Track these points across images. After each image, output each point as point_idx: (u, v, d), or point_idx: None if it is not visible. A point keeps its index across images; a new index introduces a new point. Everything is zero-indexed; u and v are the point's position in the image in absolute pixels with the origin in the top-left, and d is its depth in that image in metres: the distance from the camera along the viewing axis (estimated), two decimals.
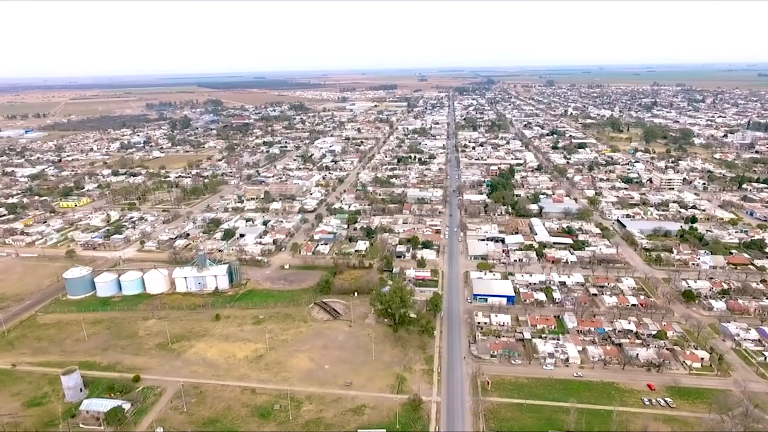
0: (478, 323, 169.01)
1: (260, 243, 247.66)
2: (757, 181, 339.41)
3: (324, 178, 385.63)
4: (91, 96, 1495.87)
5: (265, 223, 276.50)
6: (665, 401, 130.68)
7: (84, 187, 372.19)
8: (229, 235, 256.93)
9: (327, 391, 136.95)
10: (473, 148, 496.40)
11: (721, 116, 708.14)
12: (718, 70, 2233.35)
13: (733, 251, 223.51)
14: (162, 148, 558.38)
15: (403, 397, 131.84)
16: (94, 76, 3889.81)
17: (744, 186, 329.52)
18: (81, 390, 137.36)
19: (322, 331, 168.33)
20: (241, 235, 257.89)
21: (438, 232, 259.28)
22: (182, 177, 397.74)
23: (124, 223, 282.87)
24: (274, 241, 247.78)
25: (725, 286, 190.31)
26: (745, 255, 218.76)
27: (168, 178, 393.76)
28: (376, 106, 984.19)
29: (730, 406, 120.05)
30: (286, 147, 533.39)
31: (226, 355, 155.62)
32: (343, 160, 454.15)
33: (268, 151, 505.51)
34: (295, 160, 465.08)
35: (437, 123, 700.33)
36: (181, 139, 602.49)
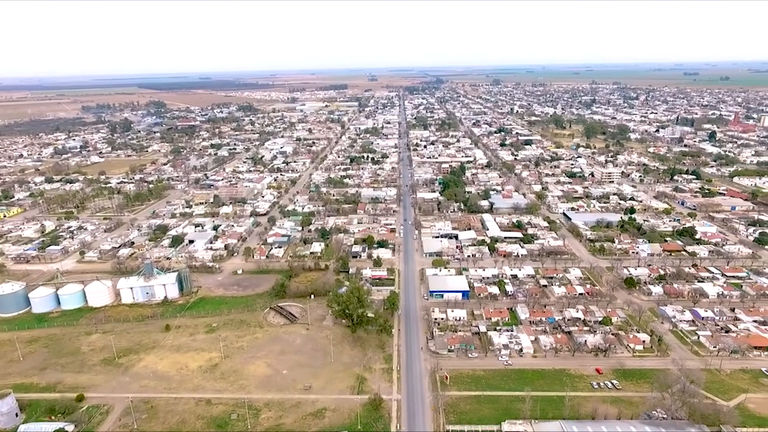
0: (435, 319, 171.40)
1: (211, 248, 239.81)
2: (686, 172, 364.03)
3: (276, 180, 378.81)
4: (18, 98, 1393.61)
5: (215, 228, 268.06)
6: (612, 384, 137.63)
7: (14, 196, 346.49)
8: (177, 241, 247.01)
9: (286, 397, 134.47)
10: (425, 146, 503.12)
11: (653, 112, 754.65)
12: (649, 69, 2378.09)
13: (667, 239, 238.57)
14: (101, 152, 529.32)
15: (364, 398, 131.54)
16: (22, 76, 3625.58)
17: (675, 177, 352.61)
18: (17, 415, 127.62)
19: (279, 336, 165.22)
20: (191, 241, 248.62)
21: (393, 230, 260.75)
22: (124, 183, 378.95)
23: (61, 234, 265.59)
24: (226, 246, 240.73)
25: (662, 272, 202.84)
26: (678, 242, 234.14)
27: (109, 185, 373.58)
28: (326, 106, 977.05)
29: (670, 383, 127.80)
30: (235, 149, 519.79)
31: (178, 366, 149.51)
32: (294, 162, 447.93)
33: (216, 154, 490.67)
34: (245, 162, 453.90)
35: (389, 122, 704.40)
36: (122, 143, 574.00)
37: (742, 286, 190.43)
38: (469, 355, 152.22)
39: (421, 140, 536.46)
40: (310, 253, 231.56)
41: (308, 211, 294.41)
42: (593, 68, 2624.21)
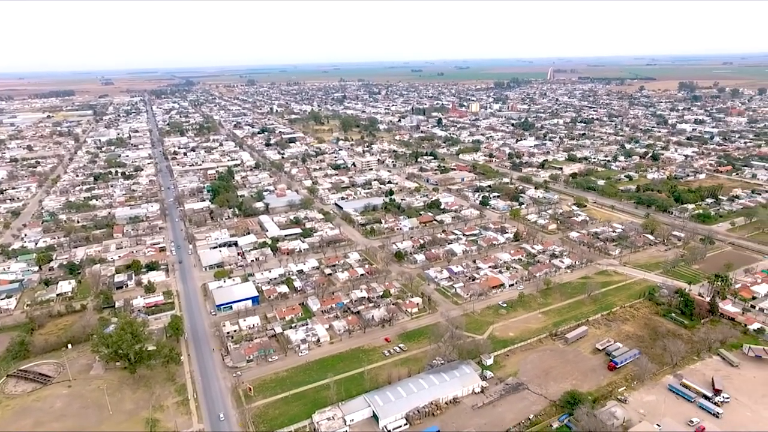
0: (228, 333, 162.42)
1: None
2: (426, 154, 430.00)
3: None
4: None
5: None
6: (400, 348, 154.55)
7: None
8: None
9: None
10: (185, 153, 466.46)
11: (393, 105, 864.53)
12: (385, 67, 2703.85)
13: (421, 212, 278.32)
14: None
15: None
16: None
17: (419, 159, 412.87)
18: None
19: (29, 407, 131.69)
20: None
21: (163, 249, 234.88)
22: None
23: None
24: None
25: (422, 242, 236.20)
26: (429, 213, 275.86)
27: None
28: (49, 117, 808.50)
29: (441, 333, 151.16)
30: None
31: None
32: (13, 188, 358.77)
33: None
34: None
35: (137, 131, 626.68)
36: None
37: (477, 241, 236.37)
38: (270, 360, 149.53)
39: (179, 147, 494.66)
40: (57, 295, 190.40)
41: (45, 245, 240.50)
42: (340, 67, 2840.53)
